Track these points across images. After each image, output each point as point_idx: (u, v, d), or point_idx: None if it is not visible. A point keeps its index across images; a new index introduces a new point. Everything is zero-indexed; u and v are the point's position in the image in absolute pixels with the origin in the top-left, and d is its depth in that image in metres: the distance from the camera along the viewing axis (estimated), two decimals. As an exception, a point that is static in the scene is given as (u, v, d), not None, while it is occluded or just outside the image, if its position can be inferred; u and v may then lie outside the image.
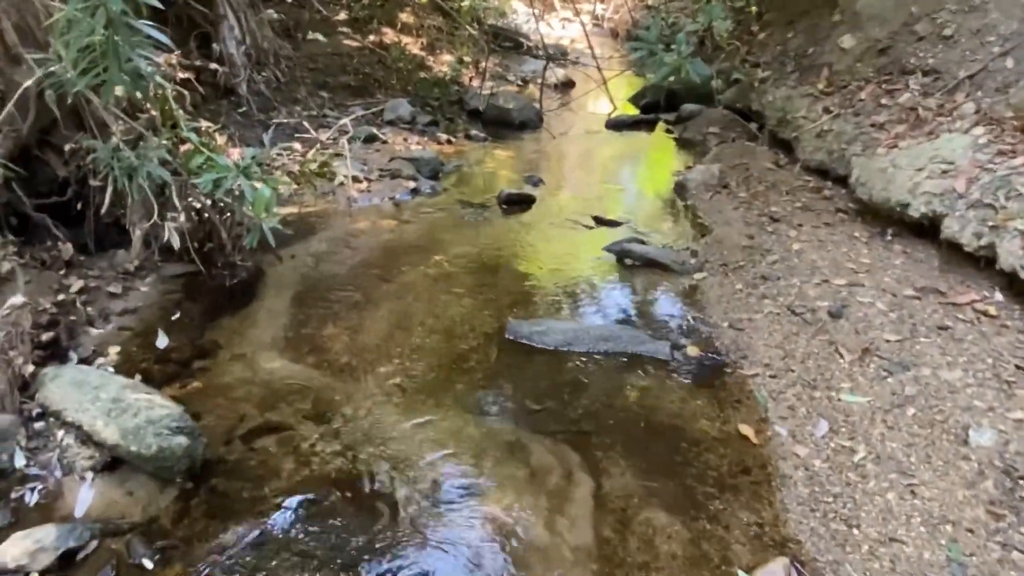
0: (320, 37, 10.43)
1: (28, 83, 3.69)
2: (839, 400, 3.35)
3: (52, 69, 3.44)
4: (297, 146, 6.83)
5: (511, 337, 3.89)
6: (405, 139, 7.59)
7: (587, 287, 4.61)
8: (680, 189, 6.44)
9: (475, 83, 10.36)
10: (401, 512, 2.71)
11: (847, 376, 3.47)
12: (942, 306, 3.79)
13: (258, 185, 3.88)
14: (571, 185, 6.58)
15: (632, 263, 4.89)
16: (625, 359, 3.76)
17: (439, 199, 6.07)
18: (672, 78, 4.80)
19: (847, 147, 5.83)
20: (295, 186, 6.06)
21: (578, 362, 3.71)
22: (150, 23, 3.05)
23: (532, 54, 12.53)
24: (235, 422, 3.18)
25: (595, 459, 3.02)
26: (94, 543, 2.53)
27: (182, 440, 2.79)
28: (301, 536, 2.59)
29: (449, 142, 7.72)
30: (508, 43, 12.22)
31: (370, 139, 7.17)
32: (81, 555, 2.50)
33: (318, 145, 6.82)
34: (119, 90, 3.38)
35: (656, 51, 5.46)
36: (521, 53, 12.67)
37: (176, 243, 4.13)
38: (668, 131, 8.68)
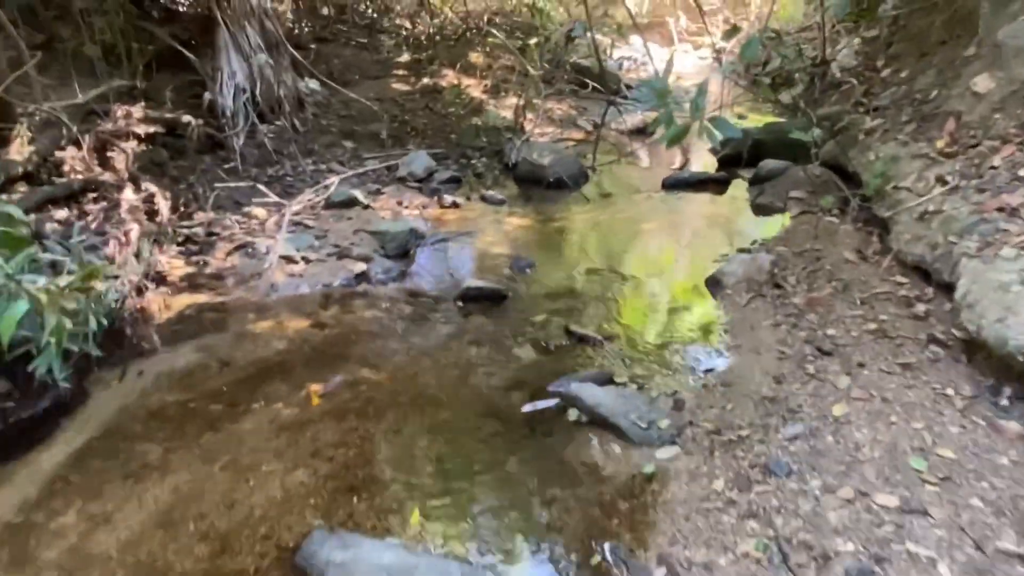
0: (359, 80, 9.59)
1: None
2: None
3: None
4: (259, 211, 5.81)
5: (302, 565, 2.47)
6: (400, 202, 6.38)
7: (482, 464, 3.08)
8: (713, 285, 4.71)
9: (532, 129, 9.06)
10: None
11: None
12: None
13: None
14: (568, 273, 5.04)
15: (577, 418, 3.30)
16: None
17: (386, 289, 4.76)
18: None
19: (957, 240, 3.92)
20: (223, 261, 5.01)
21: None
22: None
23: (618, 95, 11.02)
24: None
25: None
26: None
27: None
28: None
29: (455, 206, 6.42)
30: (589, 82, 10.78)
31: (347, 203, 6.02)
32: None
33: (282, 211, 5.76)
34: None
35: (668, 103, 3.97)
36: (603, 95, 11.18)
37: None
38: (747, 192, 6.87)
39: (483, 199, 6.68)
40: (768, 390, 3.41)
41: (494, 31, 11.15)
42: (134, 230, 4.63)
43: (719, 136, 3.82)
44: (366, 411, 3.42)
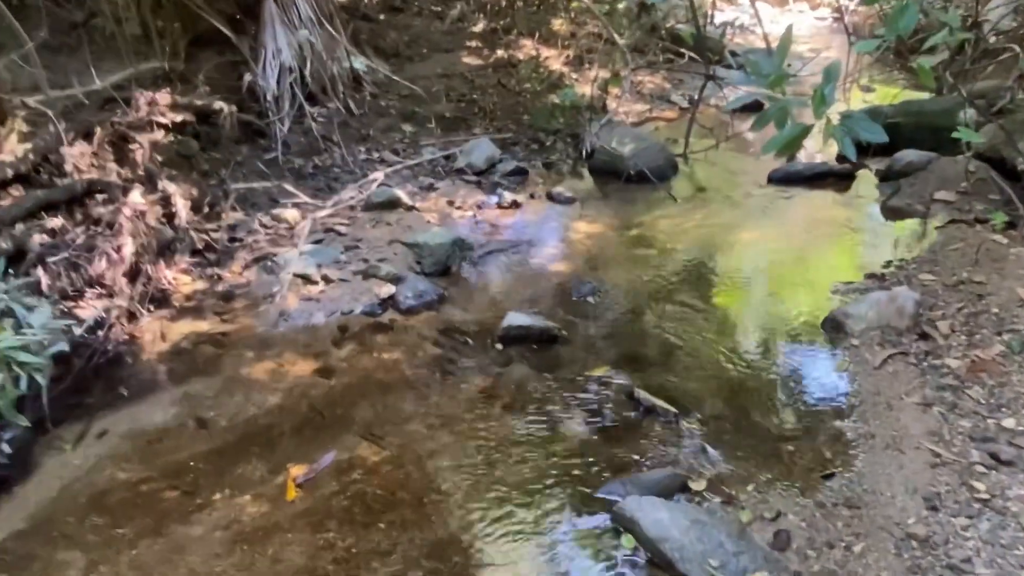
0: (427, 54, 8.71)
1: None
2: None
3: None
4: (291, 214, 5.07)
5: None
6: (452, 201, 5.50)
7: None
8: (834, 330, 3.58)
9: (616, 108, 7.95)
10: None
11: None
12: None
13: None
14: (640, 303, 4.03)
15: (632, 553, 2.35)
16: None
17: (416, 320, 3.91)
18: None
19: None
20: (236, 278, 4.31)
21: None
22: None
23: (720, 65, 9.64)
24: None
25: None
26: None
27: None
28: None
29: (516, 205, 5.48)
30: (686, 51, 9.44)
31: (389, 204, 5.19)
32: None
33: (311, 213, 5.00)
34: None
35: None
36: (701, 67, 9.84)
37: None
38: (877, 191, 5.59)
39: (549, 197, 5.70)
40: (916, 522, 2.33)
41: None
42: (128, 244, 3.97)
43: (851, 145, 2.72)
44: (352, 515, 2.59)
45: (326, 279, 4.19)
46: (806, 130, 2.89)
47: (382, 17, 9.71)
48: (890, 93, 7.64)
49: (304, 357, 3.60)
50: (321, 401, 3.27)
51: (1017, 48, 6.46)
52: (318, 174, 6.11)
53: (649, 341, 3.66)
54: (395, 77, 8.02)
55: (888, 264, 4.28)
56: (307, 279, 4.15)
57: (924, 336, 3.39)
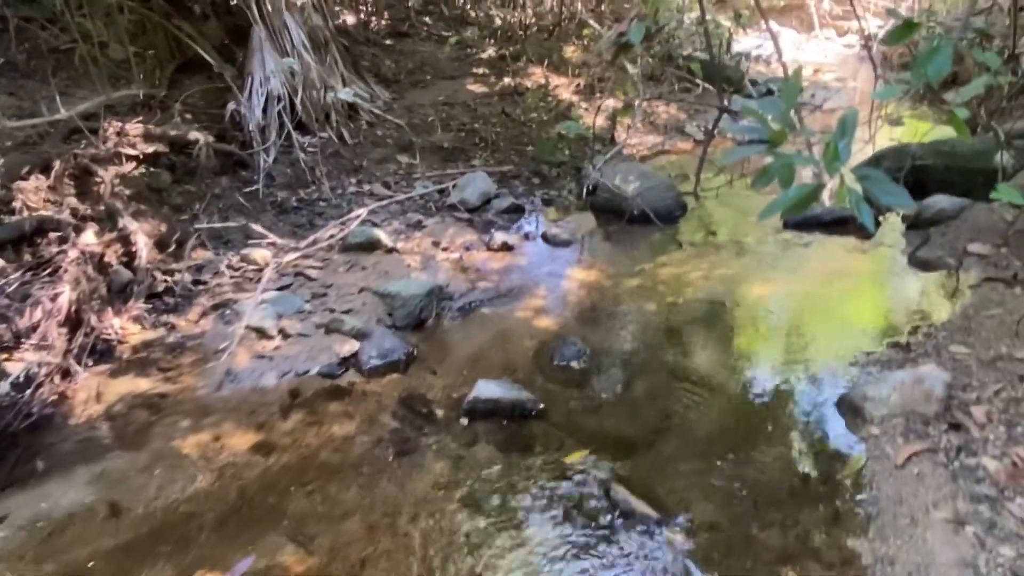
0: (431, 80, 8.39)
1: None
2: None
3: None
4: (261, 254, 4.70)
5: None
6: (438, 242, 5.10)
7: None
8: (851, 414, 3.10)
9: (626, 139, 7.56)
10: None
11: None
12: None
13: None
14: (631, 371, 3.58)
15: None
16: None
17: (377, 384, 3.49)
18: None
19: None
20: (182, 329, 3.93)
21: None
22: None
23: (739, 94, 9.18)
24: None
25: None
26: None
27: None
28: None
29: (507, 248, 5.07)
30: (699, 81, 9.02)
31: (368, 245, 4.81)
32: None
33: (282, 255, 4.62)
34: None
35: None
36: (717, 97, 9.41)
37: None
38: (904, 238, 5.10)
39: (545, 239, 5.28)
40: None
41: (591, 21, 9.64)
42: (66, 292, 3.62)
43: (869, 213, 2.28)
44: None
45: (283, 333, 3.80)
46: (815, 191, 2.44)
47: (388, 42, 9.44)
48: (920, 128, 7.13)
49: (244, 428, 3.19)
50: (254, 486, 2.86)
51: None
52: (302, 208, 5.76)
53: (637, 419, 3.21)
54: (394, 105, 7.72)
55: (915, 330, 3.78)
56: (262, 333, 3.76)
57: (956, 426, 2.90)
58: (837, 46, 13.25)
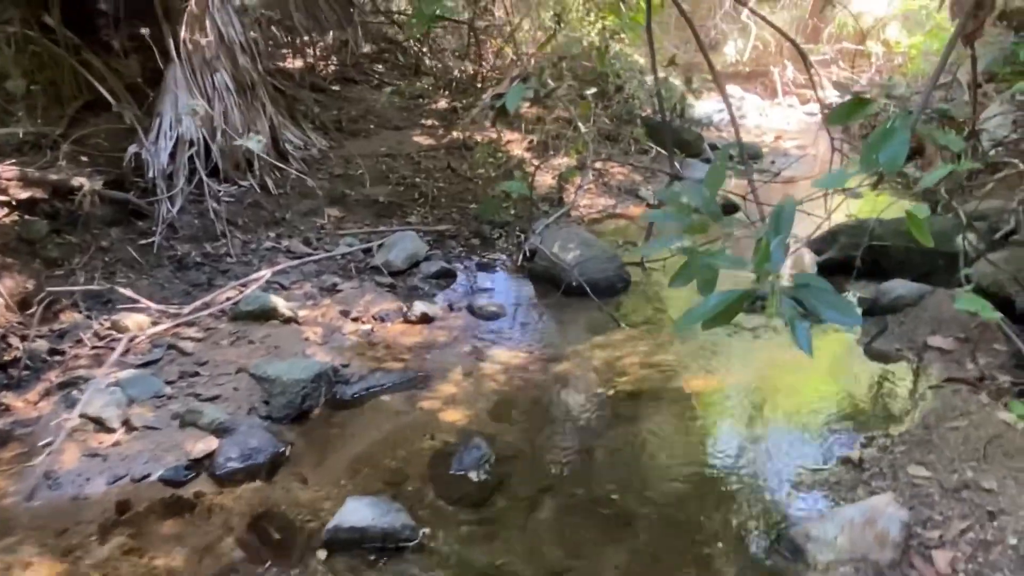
0: (374, 130, 7.95)
1: None
2: None
3: None
4: (135, 320, 4.09)
5: None
6: (347, 311, 4.54)
7: None
8: (792, 554, 2.57)
9: (575, 200, 7.17)
10: None
11: None
12: None
13: None
14: (539, 486, 3.01)
15: None
16: None
17: (230, 495, 2.88)
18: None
19: None
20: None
21: None
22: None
23: (697, 157, 8.88)
24: None
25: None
26: None
27: None
28: None
29: (426, 320, 4.53)
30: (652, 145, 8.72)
31: (261, 314, 4.22)
32: None
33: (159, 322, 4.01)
34: None
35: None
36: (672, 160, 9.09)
37: None
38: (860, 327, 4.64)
39: (471, 310, 4.76)
40: None
41: (548, 79, 9.33)
42: None
43: (805, 332, 1.81)
44: None
45: (128, 425, 3.17)
46: (740, 299, 1.98)
47: (335, 88, 9.01)
48: (880, 202, 6.82)
49: (47, 555, 2.55)
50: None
51: (1020, 163, 5.69)
52: (205, 264, 5.18)
53: (538, 557, 2.63)
54: (331, 154, 7.23)
55: (869, 440, 3.29)
56: (101, 424, 3.13)
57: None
58: (799, 113, 13.21)
